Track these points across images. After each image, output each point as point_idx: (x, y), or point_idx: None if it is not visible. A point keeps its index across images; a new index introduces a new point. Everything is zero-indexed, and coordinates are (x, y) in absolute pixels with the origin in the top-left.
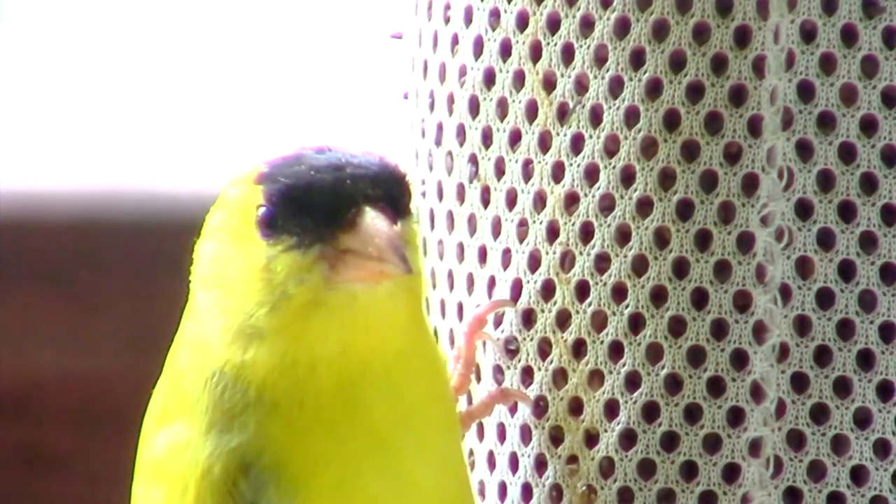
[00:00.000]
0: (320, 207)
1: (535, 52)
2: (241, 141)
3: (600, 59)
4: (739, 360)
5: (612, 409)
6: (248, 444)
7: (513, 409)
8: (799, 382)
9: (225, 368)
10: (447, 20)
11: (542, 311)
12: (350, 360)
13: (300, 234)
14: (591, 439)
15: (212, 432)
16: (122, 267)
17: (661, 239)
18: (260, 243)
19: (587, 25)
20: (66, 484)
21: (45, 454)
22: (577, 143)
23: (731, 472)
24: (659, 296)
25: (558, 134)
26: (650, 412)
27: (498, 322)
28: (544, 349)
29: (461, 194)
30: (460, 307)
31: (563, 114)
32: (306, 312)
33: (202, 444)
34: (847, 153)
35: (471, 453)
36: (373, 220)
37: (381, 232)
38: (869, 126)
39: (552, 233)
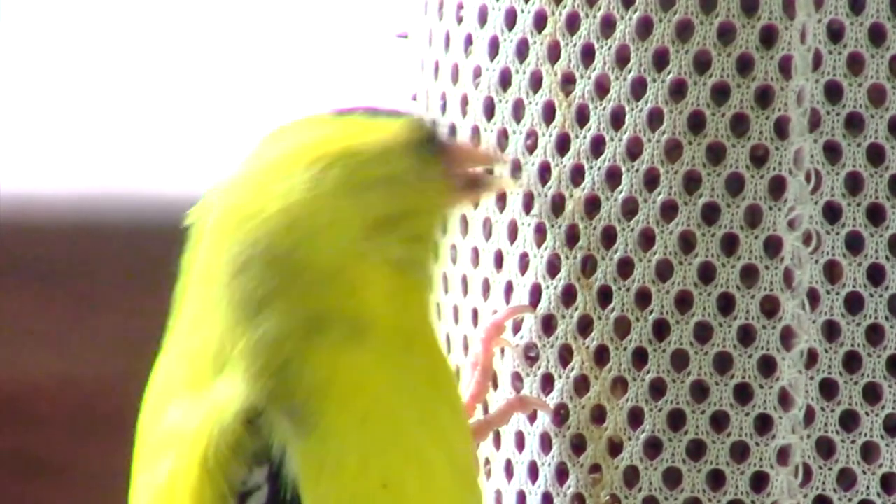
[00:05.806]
0: (435, 139)
1: (554, 53)
2: (241, 143)
3: (622, 59)
4: (767, 366)
5: (636, 417)
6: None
7: (532, 418)
8: (828, 389)
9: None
10: (460, 20)
11: (563, 317)
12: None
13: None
14: (615, 448)
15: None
16: (119, 270)
17: (687, 243)
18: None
19: (608, 25)
20: (62, 488)
21: (41, 458)
22: (597, 146)
23: (760, 481)
24: (684, 301)
25: (577, 136)
26: (676, 420)
27: (517, 328)
28: (565, 356)
29: None
30: (475, 313)
31: (582, 115)
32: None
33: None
34: (876, 155)
35: (486, 462)
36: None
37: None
38: None
39: (572, 237)
